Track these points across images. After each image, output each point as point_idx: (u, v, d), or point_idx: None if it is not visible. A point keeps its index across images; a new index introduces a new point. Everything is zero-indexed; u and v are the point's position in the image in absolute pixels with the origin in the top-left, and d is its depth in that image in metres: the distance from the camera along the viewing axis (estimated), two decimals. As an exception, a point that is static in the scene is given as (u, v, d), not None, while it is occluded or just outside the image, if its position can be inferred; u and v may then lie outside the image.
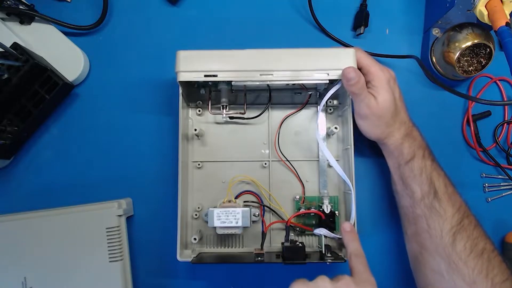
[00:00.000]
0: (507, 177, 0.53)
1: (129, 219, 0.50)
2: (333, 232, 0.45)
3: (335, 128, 0.48)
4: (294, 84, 0.46)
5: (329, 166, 0.50)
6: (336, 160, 0.49)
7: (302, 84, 0.46)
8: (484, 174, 0.53)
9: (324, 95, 0.50)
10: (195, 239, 0.47)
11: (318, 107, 0.50)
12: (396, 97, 0.44)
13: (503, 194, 0.53)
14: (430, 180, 0.42)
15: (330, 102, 0.50)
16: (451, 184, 0.44)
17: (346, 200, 0.49)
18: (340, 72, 0.42)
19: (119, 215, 0.47)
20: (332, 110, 0.51)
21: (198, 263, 0.43)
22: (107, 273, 0.46)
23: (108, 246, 0.46)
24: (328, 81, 0.44)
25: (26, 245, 0.47)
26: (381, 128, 0.43)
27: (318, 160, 0.50)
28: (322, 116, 0.50)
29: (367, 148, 0.52)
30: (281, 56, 0.43)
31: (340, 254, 0.45)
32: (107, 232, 0.47)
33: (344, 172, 0.45)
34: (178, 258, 0.44)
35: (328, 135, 0.51)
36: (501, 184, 0.53)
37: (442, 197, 0.41)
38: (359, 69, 0.43)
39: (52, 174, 0.52)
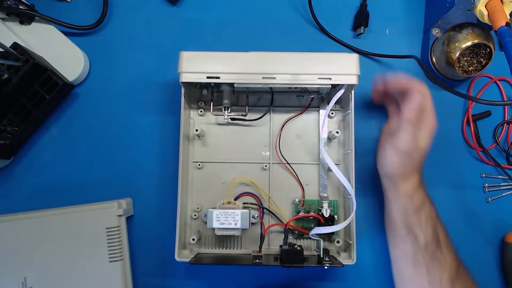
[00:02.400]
0: (507, 177, 0.53)
1: (129, 219, 0.50)
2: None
3: (337, 132, 0.48)
4: (296, 88, 0.46)
5: (330, 170, 0.50)
6: (337, 165, 0.49)
7: (304, 87, 0.45)
8: (484, 174, 0.53)
9: (326, 99, 0.50)
10: (193, 239, 0.47)
11: (323, 111, 0.50)
12: (433, 131, 0.43)
13: (503, 194, 0.53)
14: (435, 230, 0.42)
15: (332, 106, 0.50)
16: (448, 235, 0.45)
17: (345, 204, 0.49)
18: (343, 77, 0.42)
19: (119, 215, 0.47)
20: (334, 114, 0.51)
21: (196, 263, 0.43)
22: (107, 273, 0.46)
23: (108, 246, 0.47)
24: (330, 86, 0.44)
25: (26, 245, 0.47)
26: (406, 169, 0.42)
27: (318, 164, 0.50)
28: (326, 120, 0.50)
29: (367, 154, 0.52)
30: (284, 59, 0.42)
31: (338, 258, 0.45)
32: (107, 232, 0.47)
33: (344, 177, 0.45)
34: (176, 258, 0.44)
35: (329, 139, 0.51)
36: (501, 184, 0.53)
37: (443, 246, 0.42)
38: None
39: (52, 174, 0.52)
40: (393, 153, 0.42)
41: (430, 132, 0.42)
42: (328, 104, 0.46)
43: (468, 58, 0.49)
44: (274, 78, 0.42)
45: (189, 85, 0.45)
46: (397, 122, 0.44)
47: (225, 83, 0.44)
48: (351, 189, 0.44)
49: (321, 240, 0.44)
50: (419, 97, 0.39)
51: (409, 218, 0.42)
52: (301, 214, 0.48)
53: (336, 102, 0.46)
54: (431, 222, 0.42)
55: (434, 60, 0.53)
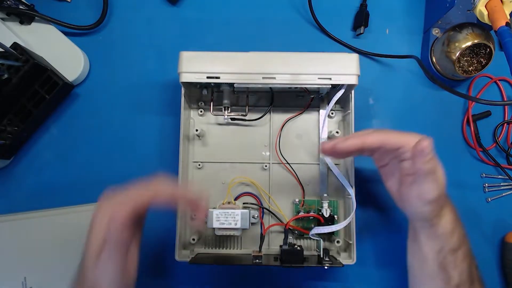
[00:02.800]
0: (507, 177, 0.53)
1: (129, 219, 0.50)
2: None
3: (337, 132, 0.48)
4: (296, 88, 0.46)
5: (330, 170, 0.50)
6: (337, 165, 0.49)
7: (304, 87, 0.45)
8: (484, 174, 0.53)
9: (326, 99, 0.50)
10: (193, 239, 0.47)
11: (323, 111, 0.50)
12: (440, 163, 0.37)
13: (503, 194, 0.53)
14: (470, 269, 0.38)
15: (332, 106, 0.50)
16: (478, 268, 0.40)
17: (345, 204, 0.49)
18: (343, 77, 0.42)
19: (119, 215, 0.47)
20: (334, 114, 0.51)
21: (196, 263, 0.43)
22: (107, 273, 0.46)
23: (108, 246, 0.46)
24: (330, 86, 0.44)
25: (26, 245, 0.47)
26: (438, 208, 0.36)
27: (318, 164, 0.50)
28: (326, 120, 0.50)
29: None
30: (284, 59, 0.42)
31: (338, 258, 0.45)
32: (107, 232, 0.47)
33: (344, 177, 0.45)
34: (176, 258, 0.44)
35: (329, 138, 0.50)
36: (501, 184, 0.53)
37: (476, 285, 0.39)
38: (396, 148, 0.36)
39: (52, 174, 0.52)
40: (423, 204, 0.36)
41: (442, 170, 0.36)
42: (328, 104, 0.46)
43: (468, 58, 0.49)
44: (274, 78, 0.42)
45: (189, 85, 0.45)
46: (409, 176, 0.37)
47: (225, 83, 0.44)
48: (351, 189, 0.44)
49: (321, 240, 0.44)
50: (424, 144, 0.33)
51: (445, 257, 0.37)
52: (301, 214, 0.48)
53: (336, 102, 0.46)
54: (467, 260, 0.38)
55: (434, 60, 0.53)
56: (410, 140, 0.35)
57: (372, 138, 0.35)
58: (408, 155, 0.35)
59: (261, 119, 0.50)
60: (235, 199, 0.49)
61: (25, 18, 0.52)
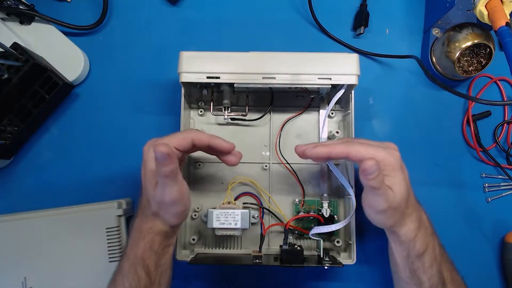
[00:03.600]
0: (507, 177, 0.53)
1: (129, 219, 0.50)
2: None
3: (337, 132, 0.48)
4: (296, 88, 0.46)
5: (330, 170, 0.50)
6: (337, 165, 0.49)
7: (304, 87, 0.45)
8: (484, 174, 0.53)
9: (326, 99, 0.50)
10: (193, 239, 0.47)
11: (323, 111, 0.50)
12: (407, 179, 0.38)
13: (503, 194, 0.53)
14: (440, 272, 0.39)
15: (332, 106, 0.50)
16: (454, 266, 0.41)
17: (345, 204, 0.49)
18: (343, 77, 0.42)
19: (119, 215, 0.47)
20: (334, 114, 0.51)
21: (196, 263, 0.43)
22: (107, 273, 0.46)
23: (108, 246, 0.47)
24: (330, 86, 0.44)
25: (26, 245, 0.47)
26: (395, 218, 0.38)
27: (318, 164, 0.50)
28: (326, 120, 0.50)
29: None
30: (284, 59, 0.42)
31: (338, 258, 0.45)
32: (107, 232, 0.47)
33: (344, 177, 0.45)
34: (177, 258, 0.44)
35: (329, 139, 0.50)
36: (501, 184, 0.53)
37: (448, 286, 0.40)
38: (359, 161, 0.36)
39: (52, 174, 0.52)
40: (375, 216, 0.38)
41: (397, 170, 0.37)
42: (328, 104, 0.46)
43: (468, 58, 0.49)
44: (274, 78, 0.42)
45: (189, 85, 0.45)
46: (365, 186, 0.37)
47: (225, 83, 0.44)
48: (351, 189, 0.44)
49: (321, 240, 0.44)
50: (369, 164, 0.33)
51: (412, 262, 0.39)
52: (301, 214, 0.48)
53: (336, 102, 0.46)
54: (436, 265, 0.39)
55: (434, 60, 0.53)
56: (376, 156, 0.36)
57: (338, 149, 0.37)
58: None
59: (261, 119, 0.50)
60: (235, 199, 0.49)
61: (25, 18, 0.52)
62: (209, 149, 0.41)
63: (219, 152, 0.42)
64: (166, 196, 0.35)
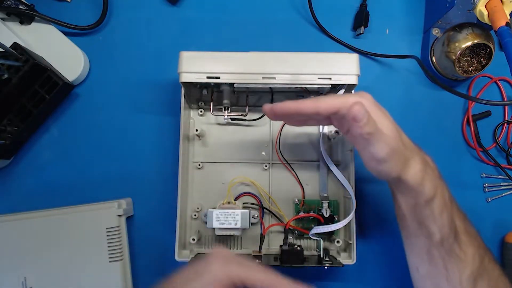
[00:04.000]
0: (507, 177, 0.53)
1: (129, 219, 0.50)
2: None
3: (336, 132, 0.48)
4: (296, 88, 0.46)
5: (330, 170, 0.50)
6: (337, 165, 0.49)
7: (304, 87, 0.46)
8: (484, 174, 0.53)
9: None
10: (193, 239, 0.47)
11: None
12: (389, 116, 0.35)
13: (503, 194, 0.53)
14: (451, 220, 0.36)
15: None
16: (466, 217, 0.38)
17: (345, 204, 0.49)
18: (343, 77, 0.42)
19: (119, 215, 0.47)
20: (333, 113, 0.51)
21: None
22: (107, 273, 0.46)
23: (108, 246, 0.47)
24: (330, 86, 0.44)
25: (26, 245, 0.47)
26: (400, 162, 0.34)
27: (318, 164, 0.50)
28: None
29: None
30: (284, 59, 0.42)
31: (338, 258, 0.45)
32: (107, 232, 0.47)
33: (344, 177, 0.45)
34: (176, 258, 0.44)
35: (329, 139, 0.51)
36: (501, 184, 0.53)
37: (462, 238, 0.37)
38: (334, 113, 0.34)
39: (52, 174, 0.52)
40: (378, 164, 0.34)
41: (383, 115, 0.34)
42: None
43: (468, 58, 0.49)
44: (274, 78, 0.42)
45: (189, 85, 0.45)
46: (357, 139, 0.34)
47: (225, 83, 0.44)
48: (351, 189, 0.44)
49: (321, 240, 0.44)
50: (356, 108, 0.31)
51: (420, 211, 0.36)
52: (301, 214, 0.48)
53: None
54: (446, 212, 0.36)
55: (434, 60, 0.53)
56: (345, 102, 0.33)
57: (305, 104, 0.35)
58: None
59: (261, 119, 0.50)
60: (235, 199, 0.49)
61: (25, 18, 0.52)
62: None
63: None
64: None
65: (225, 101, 0.47)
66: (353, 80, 0.42)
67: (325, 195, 0.48)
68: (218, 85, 0.46)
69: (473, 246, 0.37)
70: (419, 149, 0.37)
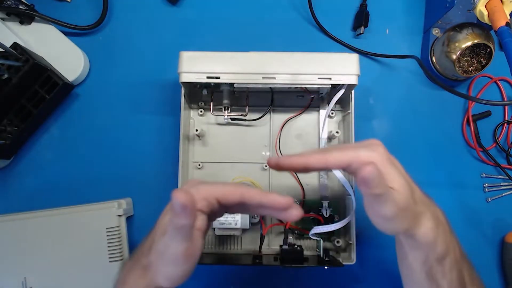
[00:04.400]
0: (507, 177, 0.53)
1: (129, 219, 0.50)
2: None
3: (337, 132, 0.48)
4: (296, 88, 0.46)
5: (330, 170, 0.50)
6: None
7: (304, 87, 0.45)
8: (484, 174, 0.53)
9: (326, 99, 0.50)
10: (195, 239, 0.47)
11: (323, 111, 0.50)
12: (403, 172, 0.33)
13: (503, 194, 0.53)
14: (461, 275, 0.35)
15: (332, 106, 0.50)
16: (472, 267, 0.38)
17: (346, 204, 0.49)
18: (343, 77, 0.42)
19: (119, 215, 0.47)
20: (334, 114, 0.51)
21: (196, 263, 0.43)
22: (107, 273, 0.46)
23: (108, 246, 0.47)
24: (330, 86, 0.44)
25: (26, 245, 0.47)
26: (408, 220, 0.32)
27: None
28: (326, 120, 0.50)
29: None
30: (284, 59, 0.42)
31: (338, 258, 0.45)
32: (107, 232, 0.47)
33: (344, 177, 0.45)
34: (178, 258, 0.44)
35: (329, 139, 0.51)
36: (501, 184, 0.53)
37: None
38: (346, 167, 0.33)
39: (52, 174, 0.52)
40: (385, 222, 0.33)
41: (398, 173, 0.32)
42: (328, 104, 0.46)
43: (468, 58, 0.49)
44: (274, 78, 0.42)
45: (189, 85, 0.45)
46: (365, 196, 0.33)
47: (225, 83, 0.44)
48: (351, 189, 0.44)
49: (321, 240, 0.44)
50: (369, 170, 0.29)
51: (432, 267, 0.34)
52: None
53: (336, 102, 0.46)
54: (456, 268, 0.35)
55: (434, 60, 0.53)
56: (356, 157, 0.32)
57: (313, 159, 0.33)
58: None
59: (261, 119, 0.50)
60: (235, 199, 0.49)
61: (25, 18, 0.52)
62: (260, 207, 0.32)
63: (274, 210, 0.33)
64: (170, 249, 0.31)
65: (225, 101, 0.47)
66: (353, 80, 0.43)
67: (325, 195, 0.48)
68: (218, 85, 0.46)
69: None
70: (430, 202, 0.35)
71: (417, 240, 0.33)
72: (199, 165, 0.50)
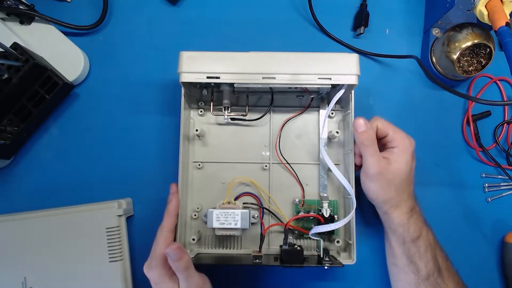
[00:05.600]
0: (507, 177, 0.53)
1: (129, 219, 0.50)
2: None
3: (337, 132, 0.48)
4: (296, 88, 0.46)
5: (330, 170, 0.50)
6: (336, 165, 0.49)
7: (304, 87, 0.45)
8: (484, 174, 0.53)
9: (326, 99, 0.50)
10: (193, 239, 0.47)
11: (323, 111, 0.50)
12: (412, 168, 0.43)
13: (503, 194, 0.53)
14: (435, 258, 0.42)
15: (332, 106, 0.50)
16: (448, 257, 0.44)
17: (346, 204, 0.49)
18: (343, 77, 0.42)
19: (119, 215, 0.47)
20: (334, 114, 0.51)
21: (196, 263, 0.43)
22: (107, 273, 0.46)
23: (108, 246, 0.47)
24: (330, 86, 0.44)
25: (26, 245, 0.47)
26: (390, 194, 0.42)
27: (318, 164, 0.50)
28: (326, 120, 0.50)
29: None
30: (284, 59, 0.42)
31: (338, 258, 0.45)
32: (107, 232, 0.47)
33: (344, 177, 0.45)
34: (177, 258, 0.44)
35: (329, 139, 0.51)
36: (501, 184, 0.53)
37: (444, 273, 0.42)
38: (383, 136, 0.43)
39: (52, 174, 0.52)
40: (368, 184, 0.43)
41: (407, 151, 0.42)
42: (328, 104, 0.46)
43: (468, 58, 0.49)
44: (274, 78, 0.42)
45: (189, 85, 0.45)
46: (357, 157, 0.45)
47: (225, 83, 0.44)
48: (351, 189, 0.44)
49: (321, 240, 0.44)
50: (358, 119, 0.41)
51: (409, 249, 0.42)
52: (301, 214, 0.48)
53: (336, 102, 0.46)
54: (430, 250, 0.42)
55: (434, 60, 0.53)
56: (393, 130, 0.43)
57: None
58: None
59: (261, 119, 0.50)
60: (235, 199, 0.49)
61: (25, 18, 0.52)
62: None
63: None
64: (192, 285, 0.38)
65: (225, 101, 0.47)
66: (353, 80, 0.42)
67: (325, 195, 0.48)
68: (218, 85, 0.46)
69: (454, 282, 0.43)
70: (415, 201, 0.44)
71: (393, 219, 0.42)
72: (199, 165, 0.50)
